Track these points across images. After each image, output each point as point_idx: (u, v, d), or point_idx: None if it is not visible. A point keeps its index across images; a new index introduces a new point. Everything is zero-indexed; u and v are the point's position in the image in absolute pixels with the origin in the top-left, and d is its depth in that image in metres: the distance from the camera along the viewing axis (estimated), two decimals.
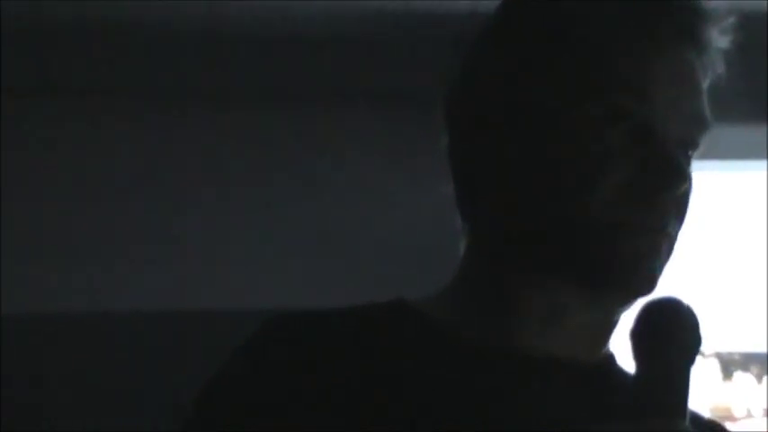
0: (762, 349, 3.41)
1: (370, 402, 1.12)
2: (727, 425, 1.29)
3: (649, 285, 1.14)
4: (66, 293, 3.48)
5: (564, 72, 1.15)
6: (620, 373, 1.20)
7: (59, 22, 3.28)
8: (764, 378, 3.47)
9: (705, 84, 1.18)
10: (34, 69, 3.46)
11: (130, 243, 3.53)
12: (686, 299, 1.13)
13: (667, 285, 1.17)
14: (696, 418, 1.16)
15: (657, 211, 1.13)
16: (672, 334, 1.08)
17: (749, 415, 3.44)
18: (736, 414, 3.43)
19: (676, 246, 1.17)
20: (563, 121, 1.14)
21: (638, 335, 1.09)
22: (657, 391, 1.06)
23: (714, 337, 3.34)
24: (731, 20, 1.19)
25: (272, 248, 3.55)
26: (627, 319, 1.17)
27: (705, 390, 3.36)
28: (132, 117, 3.58)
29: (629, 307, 1.16)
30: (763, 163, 3.24)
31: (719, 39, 1.18)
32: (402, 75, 3.44)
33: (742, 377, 3.45)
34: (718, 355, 3.43)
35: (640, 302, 1.14)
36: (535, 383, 1.16)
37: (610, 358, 1.22)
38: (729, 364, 3.46)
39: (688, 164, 1.15)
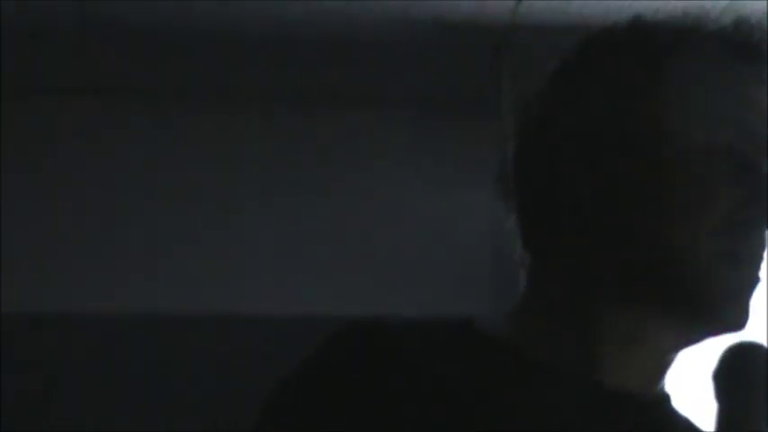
0: None
1: (436, 420, 1.10)
2: None
3: (745, 319, 1.14)
4: (68, 293, 3.46)
5: (667, 106, 1.15)
6: (677, 413, 1.20)
7: (61, 23, 3.25)
8: None
9: None
10: (35, 70, 3.40)
11: (131, 244, 3.50)
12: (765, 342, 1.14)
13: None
14: None
15: (759, 244, 1.15)
16: (755, 376, 1.10)
17: None
18: None
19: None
20: (666, 152, 1.14)
21: (721, 376, 1.11)
22: (740, 430, 1.08)
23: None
24: None
25: (294, 254, 3.53)
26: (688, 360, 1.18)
27: None
28: (149, 117, 3.58)
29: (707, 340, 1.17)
30: None
31: None
32: (430, 81, 3.44)
33: None
34: None
35: (713, 339, 1.15)
36: (602, 414, 1.14)
37: (668, 396, 1.21)
38: None
39: None
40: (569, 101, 1.19)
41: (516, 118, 1.23)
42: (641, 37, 1.19)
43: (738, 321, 1.14)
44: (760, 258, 1.15)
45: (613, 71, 1.18)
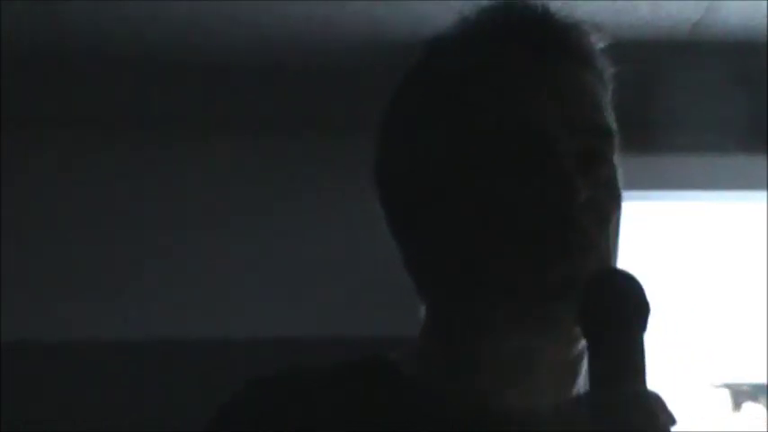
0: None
1: None
2: None
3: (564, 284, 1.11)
4: (66, 322, 3.47)
5: (462, 111, 1.16)
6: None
7: (58, 53, 3.27)
8: None
9: (603, 94, 1.18)
10: (34, 99, 3.43)
11: (128, 272, 3.52)
12: (627, 269, 1.11)
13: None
14: None
15: (571, 230, 1.12)
16: (613, 304, 1.07)
17: None
18: None
19: (613, 232, 1.17)
20: (469, 157, 1.15)
21: (582, 312, 1.08)
22: (611, 361, 1.05)
23: (723, 368, 3.32)
24: (603, 29, 1.20)
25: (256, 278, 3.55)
26: None
27: (714, 420, 3.33)
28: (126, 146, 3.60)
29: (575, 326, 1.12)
30: (763, 193, 3.21)
31: (599, 46, 1.19)
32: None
33: (751, 408, 3.42)
34: (728, 387, 3.41)
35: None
36: None
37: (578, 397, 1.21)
38: (739, 396, 3.43)
39: (594, 173, 1.15)
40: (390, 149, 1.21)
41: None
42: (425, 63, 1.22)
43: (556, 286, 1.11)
44: (578, 228, 1.12)
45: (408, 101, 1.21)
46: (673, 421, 1.02)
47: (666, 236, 3.36)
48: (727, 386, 3.41)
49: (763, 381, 3.35)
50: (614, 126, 1.18)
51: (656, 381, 1.09)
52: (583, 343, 1.13)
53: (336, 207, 3.53)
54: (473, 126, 1.15)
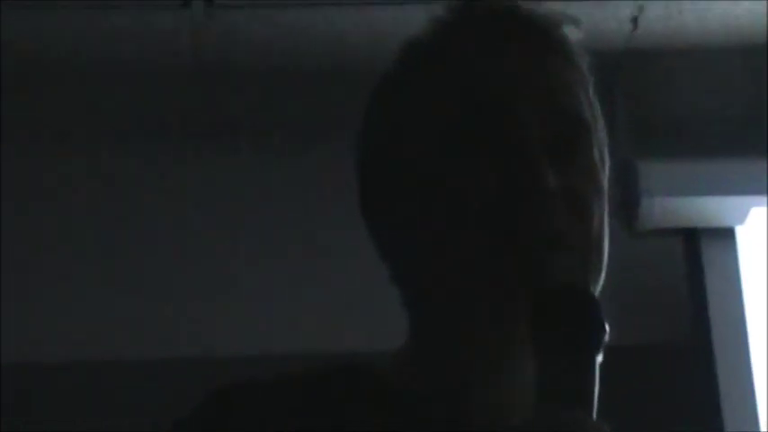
0: None
1: None
2: None
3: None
4: (67, 342, 3.45)
5: (433, 101, 1.15)
6: None
7: (56, 64, 3.28)
8: None
9: (579, 83, 1.16)
10: (32, 113, 3.43)
11: (131, 289, 3.50)
12: (583, 286, 1.07)
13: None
14: None
15: (540, 219, 1.09)
16: (566, 322, 1.00)
17: None
18: None
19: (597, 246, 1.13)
20: (439, 147, 1.13)
21: (533, 325, 1.02)
22: (557, 380, 0.99)
23: None
24: (572, 16, 1.18)
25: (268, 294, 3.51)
26: None
27: None
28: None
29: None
30: (762, 198, 3.16)
31: (572, 34, 1.18)
32: None
33: None
34: None
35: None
36: None
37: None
38: None
39: (569, 162, 1.12)
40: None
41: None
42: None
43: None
44: (553, 229, 1.09)
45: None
46: None
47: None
48: None
49: None
50: (592, 117, 1.16)
51: None
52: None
53: (328, 218, 3.51)
54: (444, 116, 1.13)
